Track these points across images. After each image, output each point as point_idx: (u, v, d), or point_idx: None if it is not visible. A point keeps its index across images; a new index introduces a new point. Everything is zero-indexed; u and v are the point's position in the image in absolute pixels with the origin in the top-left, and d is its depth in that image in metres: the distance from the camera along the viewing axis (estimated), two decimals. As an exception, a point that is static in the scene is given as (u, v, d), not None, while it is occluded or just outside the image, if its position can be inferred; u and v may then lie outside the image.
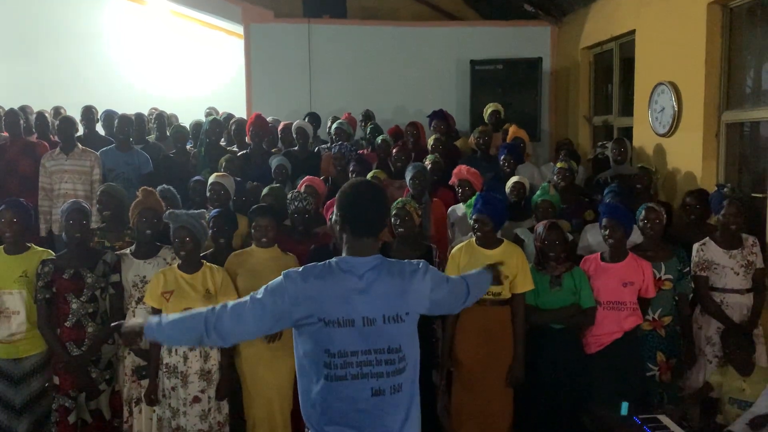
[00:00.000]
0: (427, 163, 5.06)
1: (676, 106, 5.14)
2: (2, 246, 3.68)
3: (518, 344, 3.65)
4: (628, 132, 6.17)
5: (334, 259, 2.14)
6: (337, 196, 2.21)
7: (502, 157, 5.21)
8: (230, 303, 2.15)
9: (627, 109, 6.39)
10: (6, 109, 6.20)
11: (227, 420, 3.62)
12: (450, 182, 4.81)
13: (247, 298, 2.14)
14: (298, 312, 2.09)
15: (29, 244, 3.73)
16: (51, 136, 5.84)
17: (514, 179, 4.74)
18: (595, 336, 3.71)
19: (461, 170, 4.72)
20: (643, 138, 5.73)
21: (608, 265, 3.78)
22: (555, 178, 4.85)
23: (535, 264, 3.81)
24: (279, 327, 2.17)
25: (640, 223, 3.90)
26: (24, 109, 6.27)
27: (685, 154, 5.10)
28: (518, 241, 4.20)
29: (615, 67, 6.68)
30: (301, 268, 2.13)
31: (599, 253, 3.88)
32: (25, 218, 3.67)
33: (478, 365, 3.65)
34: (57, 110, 6.97)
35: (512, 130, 5.93)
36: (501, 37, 7.90)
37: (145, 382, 3.63)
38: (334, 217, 2.23)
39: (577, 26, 7.32)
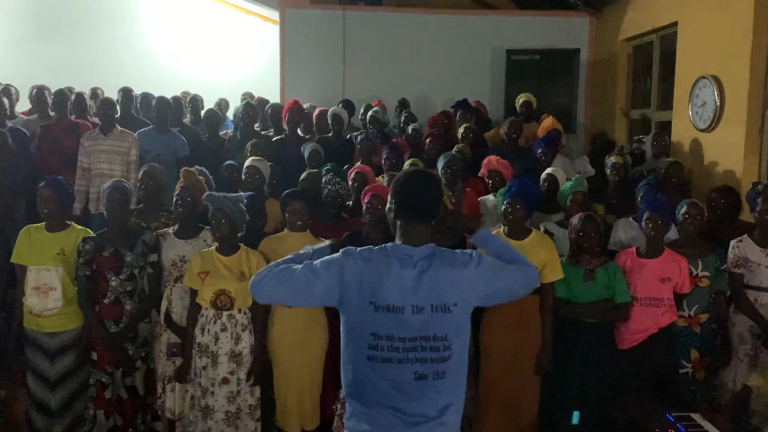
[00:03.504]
0: (452, 152, 5.01)
1: (718, 101, 5.03)
2: (42, 223, 3.75)
3: (546, 333, 3.64)
4: (666, 126, 6.05)
5: (389, 245, 2.15)
6: (392, 184, 2.23)
7: (539, 150, 5.15)
8: (286, 266, 2.16)
9: (666, 103, 6.27)
10: (39, 87, 6.34)
11: (258, 403, 3.65)
12: (480, 173, 4.76)
13: (298, 265, 2.16)
14: (348, 292, 2.11)
15: (69, 222, 3.80)
16: (89, 117, 5.92)
17: (548, 171, 4.68)
18: (631, 332, 3.68)
19: (491, 161, 4.67)
20: (682, 133, 5.61)
21: (645, 260, 3.73)
22: (608, 172, 4.80)
23: (568, 257, 3.77)
24: (319, 302, 2.19)
25: (680, 218, 3.84)
26: (69, 90, 6.37)
27: (726, 149, 4.99)
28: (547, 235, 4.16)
29: (655, 60, 6.55)
30: (358, 249, 2.16)
31: (635, 248, 3.83)
32: (64, 196, 3.74)
33: (507, 354, 3.64)
34: (94, 91, 7.08)
35: (550, 121, 5.85)
36: (538, 27, 7.80)
37: (178, 361, 3.68)
38: (387, 204, 2.24)
39: (616, 17, 7.19)
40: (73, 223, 3.83)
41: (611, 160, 4.84)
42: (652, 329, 3.65)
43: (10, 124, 5.58)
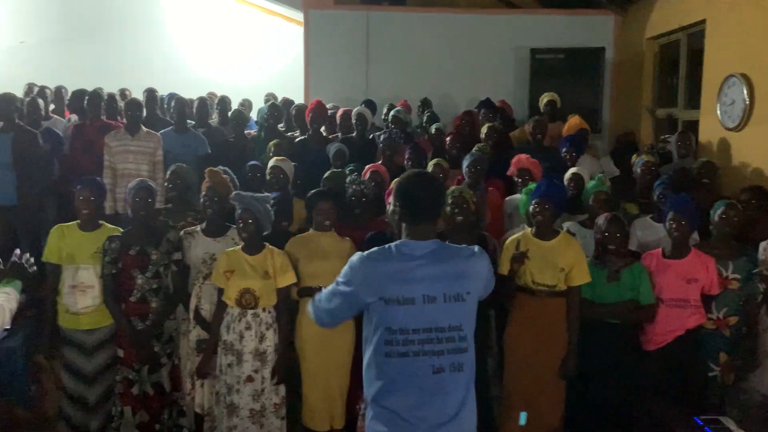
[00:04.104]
0: (474, 151, 4.98)
1: (747, 99, 4.95)
2: (74, 222, 3.81)
3: (573, 337, 3.60)
4: (692, 126, 5.97)
5: (393, 243, 2.23)
6: (393, 187, 2.30)
7: (564, 150, 5.11)
8: (324, 293, 2.33)
9: (693, 101, 6.18)
10: (72, 90, 6.46)
11: (284, 402, 3.67)
12: (509, 173, 4.74)
13: (330, 288, 2.29)
14: (365, 294, 2.19)
15: (101, 222, 3.86)
16: (118, 118, 6.02)
17: (572, 171, 4.64)
18: (657, 334, 3.64)
19: (521, 159, 4.64)
20: (710, 132, 5.54)
21: (671, 261, 3.68)
22: (639, 171, 4.74)
23: (593, 258, 3.74)
24: (356, 311, 2.28)
25: (716, 218, 3.78)
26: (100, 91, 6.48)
27: (756, 149, 4.91)
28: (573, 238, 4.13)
29: (682, 58, 6.45)
30: (363, 254, 2.23)
31: (660, 249, 3.79)
32: (100, 196, 3.82)
33: (531, 356, 3.62)
34: (123, 92, 7.21)
35: (577, 120, 5.80)
36: (563, 26, 7.73)
37: None
38: (391, 207, 2.28)
39: (642, 15, 7.11)
40: (105, 222, 3.89)
41: (643, 158, 4.76)
42: (678, 331, 3.60)
43: (45, 124, 5.69)
